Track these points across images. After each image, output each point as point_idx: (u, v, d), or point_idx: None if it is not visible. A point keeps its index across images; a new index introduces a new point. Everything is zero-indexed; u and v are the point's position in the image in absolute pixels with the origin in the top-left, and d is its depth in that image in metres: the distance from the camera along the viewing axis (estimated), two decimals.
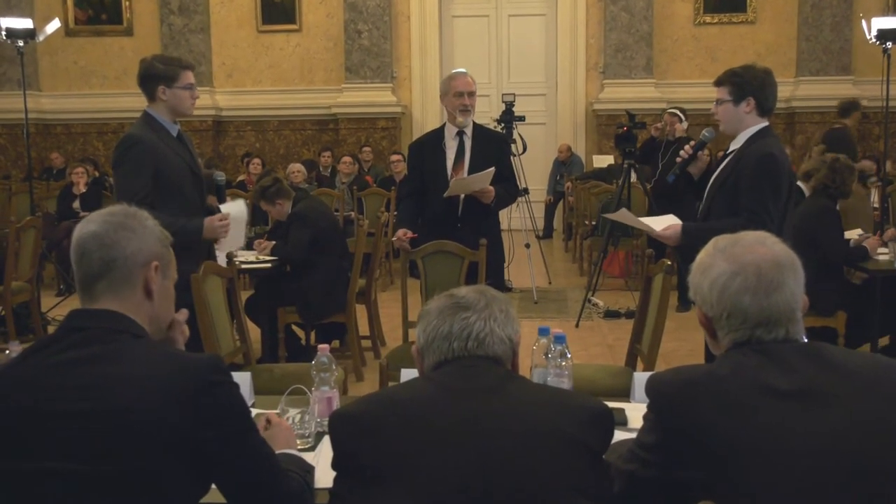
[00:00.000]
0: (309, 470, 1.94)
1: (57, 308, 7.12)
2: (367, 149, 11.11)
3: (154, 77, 3.80)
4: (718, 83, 3.53)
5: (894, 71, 8.47)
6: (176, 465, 1.60)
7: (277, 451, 1.83)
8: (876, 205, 8.35)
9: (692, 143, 3.81)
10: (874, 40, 8.81)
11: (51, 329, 6.73)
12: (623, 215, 3.99)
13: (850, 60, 11.69)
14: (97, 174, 9.83)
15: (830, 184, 5.09)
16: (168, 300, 1.86)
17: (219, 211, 4.23)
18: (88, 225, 1.77)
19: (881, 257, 5.27)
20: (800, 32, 11.85)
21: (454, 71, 4.62)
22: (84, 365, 1.62)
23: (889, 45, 8.35)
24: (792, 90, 11.51)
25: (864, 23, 9.78)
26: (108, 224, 1.76)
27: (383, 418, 1.67)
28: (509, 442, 1.62)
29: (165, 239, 1.85)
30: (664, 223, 3.65)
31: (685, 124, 7.45)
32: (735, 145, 3.53)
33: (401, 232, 4.39)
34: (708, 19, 12.08)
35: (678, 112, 7.49)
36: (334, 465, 1.72)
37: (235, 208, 4.04)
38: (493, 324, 1.78)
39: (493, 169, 4.33)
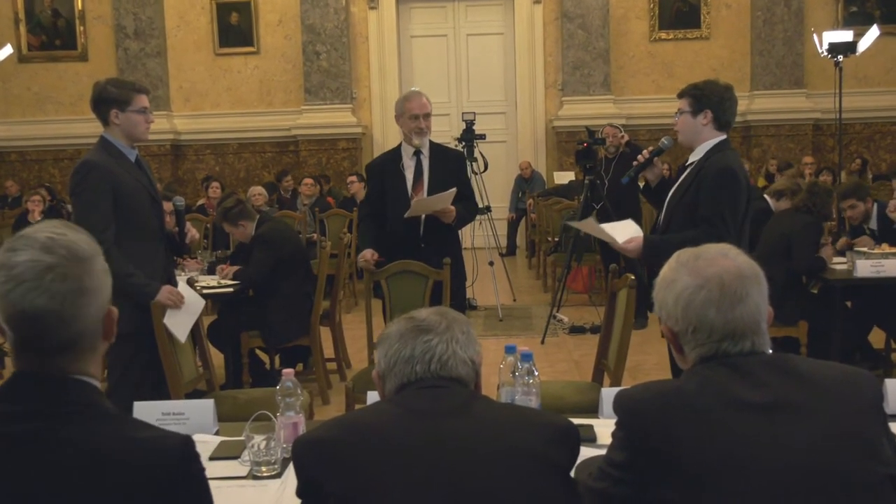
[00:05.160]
0: None
1: None
2: (307, 179, 10.79)
3: (106, 101, 3.75)
4: (680, 94, 3.59)
5: (846, 84, 8.64)
6: None
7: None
8: (833, 215, 8.48)
9: (650, 148, 3.79)
10: (825, 54, 8.98)
11: (7, 360, 6.59)
12: (588, 225, 3.95)
13: (803, 74, 11.91)
14: (52, 201, 9.67)
15: (812, 207, 5.28)
16: None
17: (176, 237, 4.17)
18: (31, 294, 1.42)
19: (839, 267, 5.34)
20: (753, 47, 12.05)
21: (409, 91, 4.59)
22: (34, 447, 1.42)
23: (840, 58, 8.52)
24: (747, 104, 11.68)
25: (815, 37, 9.98)
26: (61, 295, 1.43)
27: (348, 443, 1.64)
28: (476, 462, 1.60)
29: (108, 271, 1.56)
30: (626, 232, 3.64)
31: (625, 137, 7.66)
32: (694, 157, 3.55)
33: (367, 253, 4.34)
34: (663, 36, 12.24)
35: (619, 126, 7.79)
36: (299, 493, 1.69)
37: (193, 298, 3.95)
38: (455, 346, 1.76)
39: (454, 189, 4.32)
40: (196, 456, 1.50)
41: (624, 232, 3.65)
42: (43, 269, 1.43)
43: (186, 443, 1.48)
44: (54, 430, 1.41)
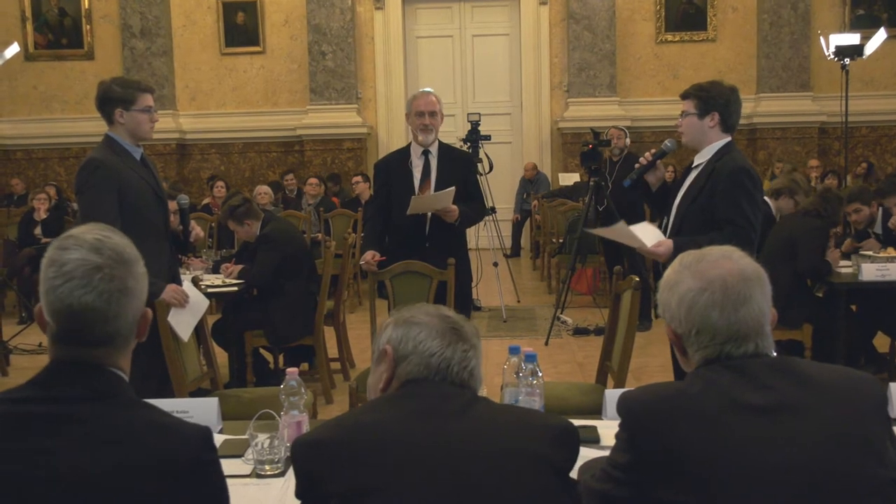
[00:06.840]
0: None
1: (19, 336, 6.99)
2: (312, 179, 10.69)
3: (111, 100, 3.75)
4: (685, 96, 3.52)
5: (852, 87, 8.62)
6: None
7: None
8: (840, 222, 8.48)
9: (652, 151, 3.71)
10: (832, 57, 8.96)
11: (13, 358, 6.61)
12: (617, 231, 3.69)
13: (809, 77, 11.89)
14: (57, 198, 9.70)
15: (822, 212, 5.26)
16: None
17: (181, 236, 4.19)
18: (78, 291, 1.51)
19: (844, 270, 5.33)
20: (759, 50, 12.03)
21: (419, 90, 4.61)
22: (72, 426, 1.49)
23: (847, 61, 8.50)
24: (753, 107, 11.66)
25: (822, 40, 9.96)
26: (108, 293, 1.52)
27: (349, 443, 1.64)
28: (477, 463, 1.60)
29: (146, 275, 1.67)
30: (651, 236, 3.55)
31: (628, 140, 7.62)
32: (700, 159, 3.50)
33: (368, 255, 4.35)
34: (669, 38, 12.24)
35: (623, 128, 7.77)
36: (298, 494, 1.68)
37: (198, 297, 3.95)
38: (480, 362, 1.80)
39: (453, 189, 4.32)
40: (214, 446, 1.57)
41: (649, 235, 3.58)
42: (92, 269, 1.52)
43: (207, 432, 1.57)
44: (89, 412, 1.50)
